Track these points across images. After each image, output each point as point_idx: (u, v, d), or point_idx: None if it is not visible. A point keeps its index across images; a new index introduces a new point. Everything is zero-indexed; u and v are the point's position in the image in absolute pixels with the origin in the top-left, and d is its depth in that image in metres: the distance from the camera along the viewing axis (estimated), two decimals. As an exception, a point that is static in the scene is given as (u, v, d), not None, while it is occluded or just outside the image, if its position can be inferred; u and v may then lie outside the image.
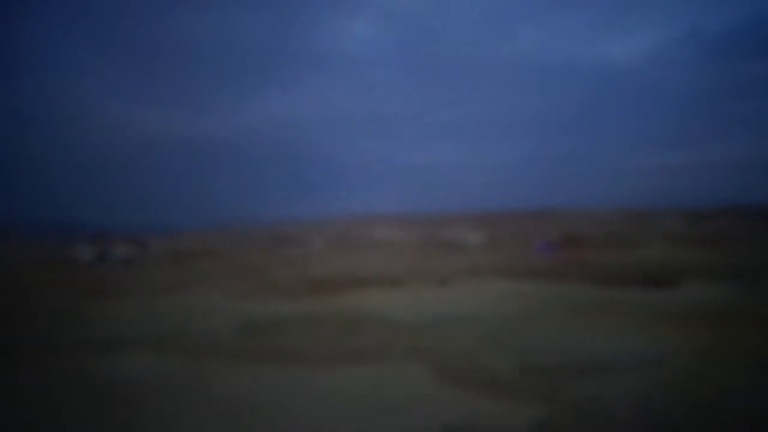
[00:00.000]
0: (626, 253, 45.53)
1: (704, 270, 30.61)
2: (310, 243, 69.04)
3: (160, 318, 22.32)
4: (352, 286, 29.98)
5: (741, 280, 27.14)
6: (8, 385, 13.48)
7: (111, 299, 27.68)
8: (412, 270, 37.02)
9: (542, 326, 18.90)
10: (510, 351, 15.61)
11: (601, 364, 14.07)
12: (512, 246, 58.53)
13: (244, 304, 25.77)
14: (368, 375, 13.80)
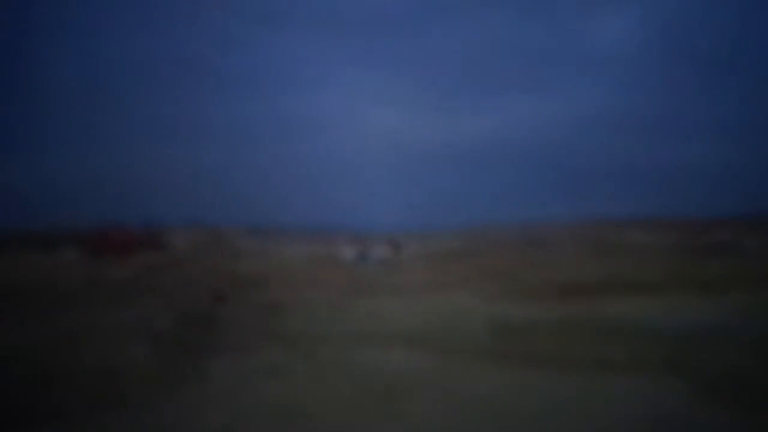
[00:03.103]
0: None
1: None
2: (561, 246, 67.55)
3: (413, 316, 23.44)
4: (604, 291, 28.85)
5: None
6: (283, 371, 15.15)
7: (370, 297, 29.65)
8: (671, 275, 34.63)
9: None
10: (787, 370, 14.01)
11: None
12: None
13: (493, 306, 26.05)
14: (619, 385, 13.28)
